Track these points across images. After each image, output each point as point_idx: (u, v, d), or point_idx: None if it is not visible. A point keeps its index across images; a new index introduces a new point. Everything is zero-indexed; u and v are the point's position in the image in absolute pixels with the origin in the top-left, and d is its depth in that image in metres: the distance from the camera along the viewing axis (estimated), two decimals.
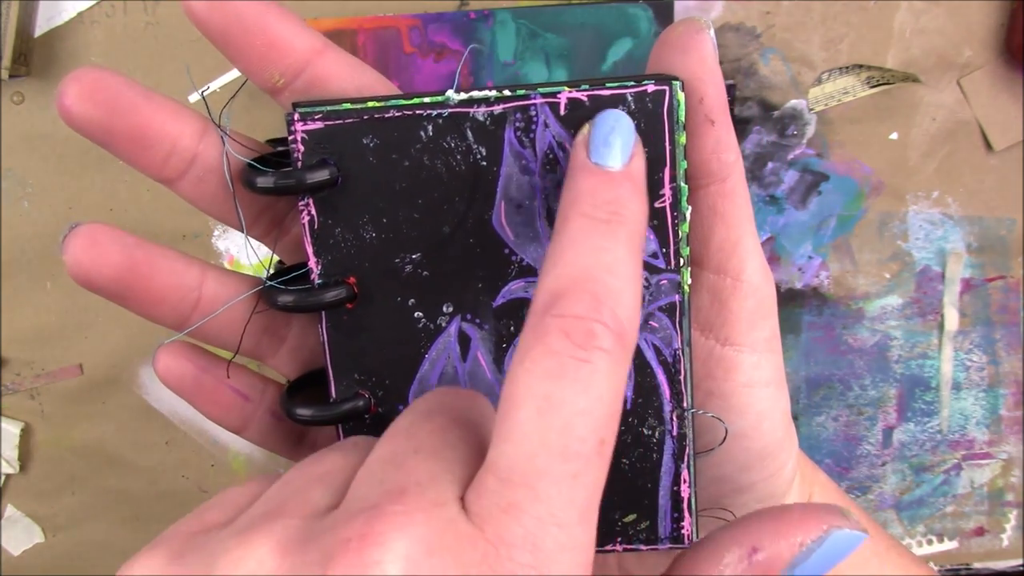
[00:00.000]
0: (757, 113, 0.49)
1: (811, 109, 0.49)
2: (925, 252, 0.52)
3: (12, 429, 0.52)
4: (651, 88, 0.24)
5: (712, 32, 0.25)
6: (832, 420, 0.53)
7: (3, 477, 0.52)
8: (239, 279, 0.28)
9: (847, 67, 0.50)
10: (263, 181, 0.25)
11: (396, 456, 0.21)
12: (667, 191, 0.25)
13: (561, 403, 0.19)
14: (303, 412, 0.27)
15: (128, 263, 0.26)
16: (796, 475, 0.30)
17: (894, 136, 0.51)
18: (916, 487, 0.54)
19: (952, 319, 0.52)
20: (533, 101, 0.25)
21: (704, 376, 0.27)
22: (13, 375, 0.51)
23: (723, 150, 0.25)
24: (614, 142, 0.24)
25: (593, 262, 0.21)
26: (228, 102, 0.28)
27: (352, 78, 0.26)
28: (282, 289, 0.26)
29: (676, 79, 0.25)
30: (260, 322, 0.28)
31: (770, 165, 0.50)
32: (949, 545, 0.55)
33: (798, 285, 0.52)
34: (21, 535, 0.54)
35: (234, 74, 0.48)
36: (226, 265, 0.50)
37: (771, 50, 0.49)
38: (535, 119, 0.25)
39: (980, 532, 0.55)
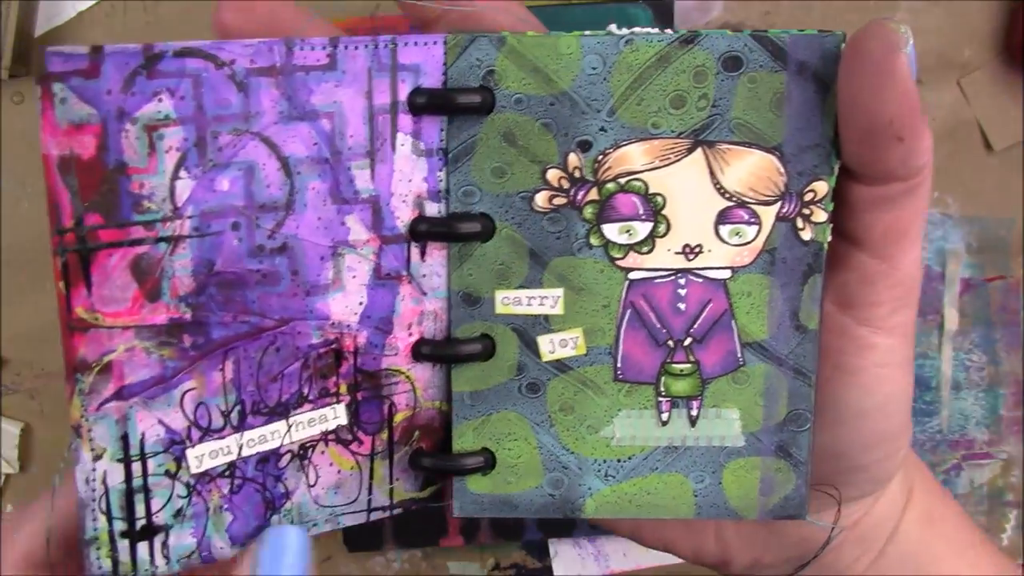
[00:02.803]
0: None
1: None
2: (925, 252, 0.52)
3: (12, 429, 0.52)
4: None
5: (909, 47, 0.23)
6: None
7: (3, 477, 0.52)
8: None
9: None
10: None
11: None
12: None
13: None
14: None
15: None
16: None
17: None
18: None
19: (952, 319, 0.52)
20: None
21: (834, 350, 0.27)
22: (13, 375, 0.51)
23: (912, 159, 0.24)
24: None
25: None
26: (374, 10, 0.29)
27: (507, 12, 0.26)
28: None
29: (840, 32, 0.24)
30: None
31: None
32: None
33: None
34: None
35: None
36: None
37: None
38: None
39: None
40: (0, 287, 0.50)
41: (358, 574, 0.55)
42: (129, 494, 0.25)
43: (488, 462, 0.28)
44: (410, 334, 0.27)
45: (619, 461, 0.28)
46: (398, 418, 0.28)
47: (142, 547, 0.26)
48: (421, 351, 0.27)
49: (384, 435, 0.28)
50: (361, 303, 0.27)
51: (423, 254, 0.27)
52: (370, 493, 0.28)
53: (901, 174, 0.24)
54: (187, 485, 0.26)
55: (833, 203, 0.26)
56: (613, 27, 0.25)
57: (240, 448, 0.27)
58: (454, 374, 0.28)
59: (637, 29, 0.25)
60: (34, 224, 0.50)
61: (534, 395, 0.27)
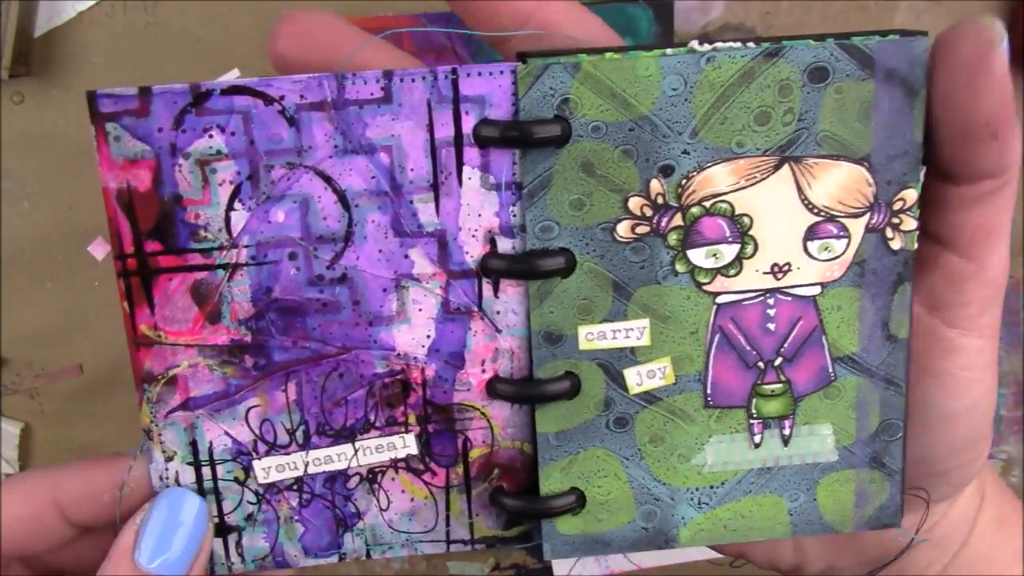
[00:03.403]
0: None
1: None
2: None
3: (12, 429, 0.52)
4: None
5: (1004, 44, 0.22)
6: None
7: (3, 477, 0.52)
8: None
9: None
10: None
11: None
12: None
13: None
14: None
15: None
16: None
17: None
18: None
19: None
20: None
21: (922, 352, 0.27)
22: (13, 375, 0.51)
23: (1006, 156, 0.24)
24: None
25: None
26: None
27: (578, 27, 0.26)
28: None
29: (924, 34, 0.24)
30: None
31: None
32: None
33: None
34: None
35: (235, 74, 0.48)
36: None
37: None
38: None
39: None
40: (0, 287, 0.50)
41: (358, 574, 0.55)
42: (201, 494, 0.26)
43: (578, 501, 0.27)
44: (483, 371, 0.27)
45: (712, 488, 0.27)
46: (474, 454, 0.27)
47: (217, 543, 0.27)
48: (500, 391, 0.27)
49: (460, 469, 0.27)
50: (429, 336, 0.26)
51: (496, 290, 0.26)
52: (448, 524, 0.28)
53: (994, 172, 0.24)
54: (256, 493, 0.27)
55: (920, 207, 0.25)
56: (695, 43, 0.24)
57: (306, 465, 0.27)
58: (539, 415, 0.27)
59: (720, 44, 0.24)
60: (34, 224, 0.50)
61: (622, 429, 0.27)
